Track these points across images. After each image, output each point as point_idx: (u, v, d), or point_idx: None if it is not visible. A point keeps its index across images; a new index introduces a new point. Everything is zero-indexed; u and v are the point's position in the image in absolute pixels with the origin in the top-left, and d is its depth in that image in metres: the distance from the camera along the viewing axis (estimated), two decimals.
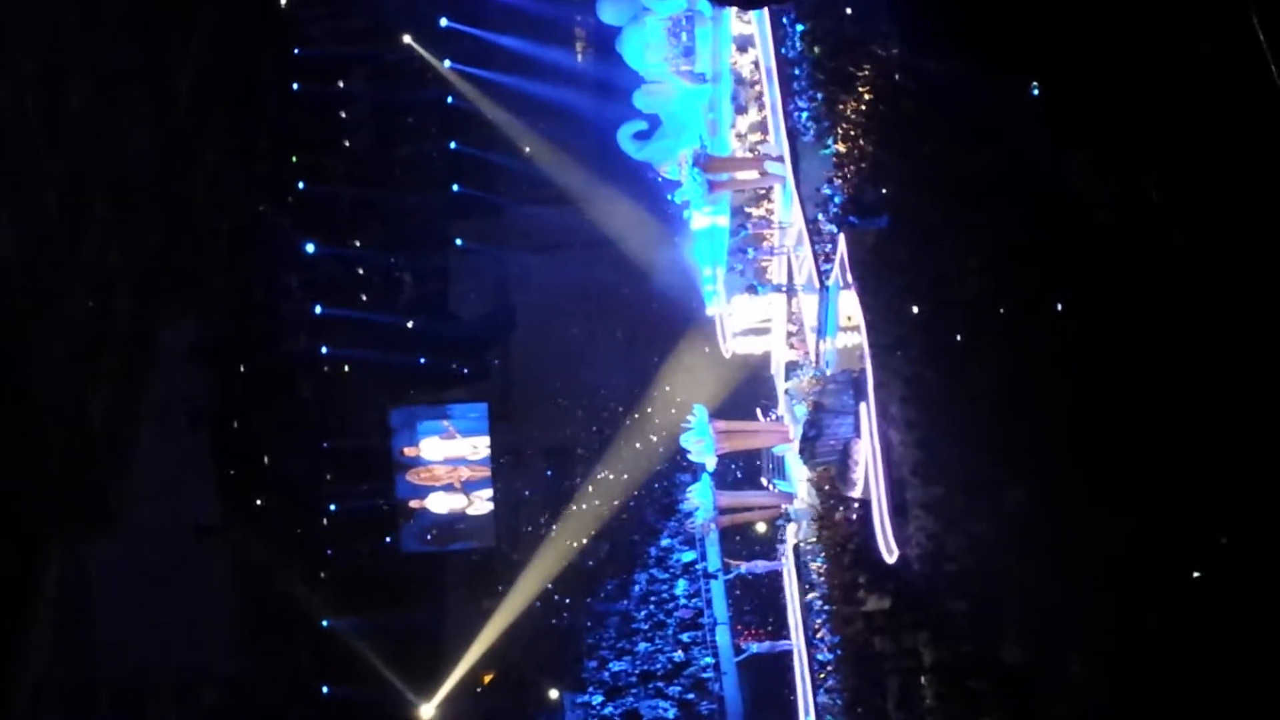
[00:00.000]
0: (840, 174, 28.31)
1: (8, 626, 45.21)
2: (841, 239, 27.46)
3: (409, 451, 50.96)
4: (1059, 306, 23.10)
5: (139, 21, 45.96)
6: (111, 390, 47.31)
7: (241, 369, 50.91)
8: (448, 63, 50.22)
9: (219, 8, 48.24)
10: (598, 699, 43.09)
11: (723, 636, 36.26)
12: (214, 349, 50.23)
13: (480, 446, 50.75)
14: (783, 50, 30.53)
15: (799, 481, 31.89)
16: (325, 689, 47.92)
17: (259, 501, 50.53)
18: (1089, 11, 22.60)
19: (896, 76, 27.57)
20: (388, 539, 50.70)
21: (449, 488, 50.70)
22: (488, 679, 46.89)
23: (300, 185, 51.51)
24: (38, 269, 44.39)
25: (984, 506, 23.95)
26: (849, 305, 27.35)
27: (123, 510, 47.38)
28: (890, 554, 25.91)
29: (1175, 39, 21.18)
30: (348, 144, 52.56)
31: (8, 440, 44.61)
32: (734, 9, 31.80)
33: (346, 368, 51.15)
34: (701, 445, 32.84)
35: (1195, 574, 21.18)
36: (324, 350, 50.97)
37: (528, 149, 48.82)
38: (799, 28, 29.09)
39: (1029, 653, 23.62)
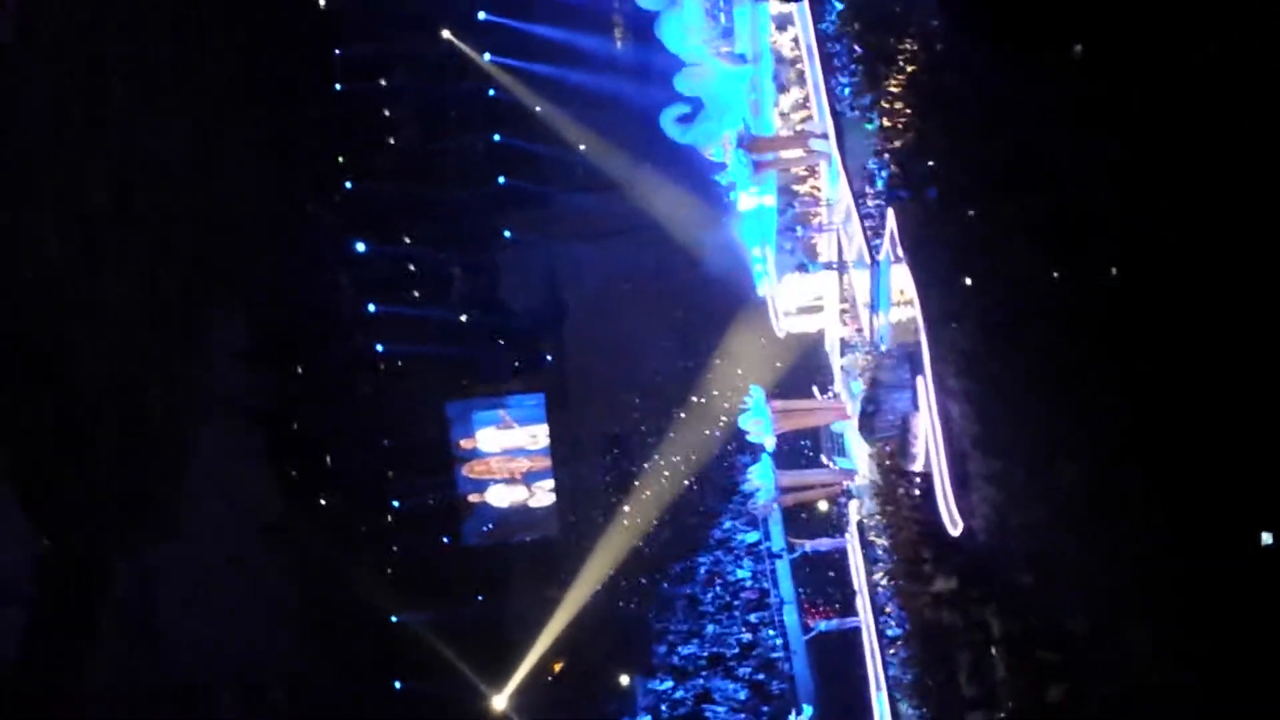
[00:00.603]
0: (885, 148, 28.22)
1: (75, 630, 45.89)
2: (890, 213, 27.37)
3: (466, 444, 51.17)
4: (1112, 276, 22.93)
5: (182, 23, 46.31)
6: (169, 393, 47.81)
7: (298, 369, 51.21)
8: (487, 56, 50.28)
9: (261, 8, 48.48)
10: (668, 683, 43.24)
11: (790, 616, 36.22)
12: (270, 350, 50.58)
13: (539, 436, 50.95)
14: (822, 27, 30.43)
15: (859, 458, 31.81)
16: (397, 684, 48.25)
17: (322, 500, 50.85)
18: None
19: (938, 48, 27.46)
20: (450, 533, 50.92)
21: (509, 480, 50.91)
22: (557, 668, 47.09)
23: (347, 184, 51.67)
24: (90, 274, 44.93)
25: (1044, 478, 23.87)
26: (901, 279, 27.26)
27: (186, 511, 47.91)
28: (954, 527, 25.87)
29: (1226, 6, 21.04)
30: (392, 141, 52.68)
31: (69, 446, 45.26)
32: None
33: (401, 364, 51.33)
34: (760, 426, 32.76)
35: (1264, 539, 21.01)
36: (379, 347, 51.18)
37: (571, 138, 48.78)
38: (838, 4, 28.98)
39: (1094, 623, 23.53)
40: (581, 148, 48.56)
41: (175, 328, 47.54)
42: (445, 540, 50.76)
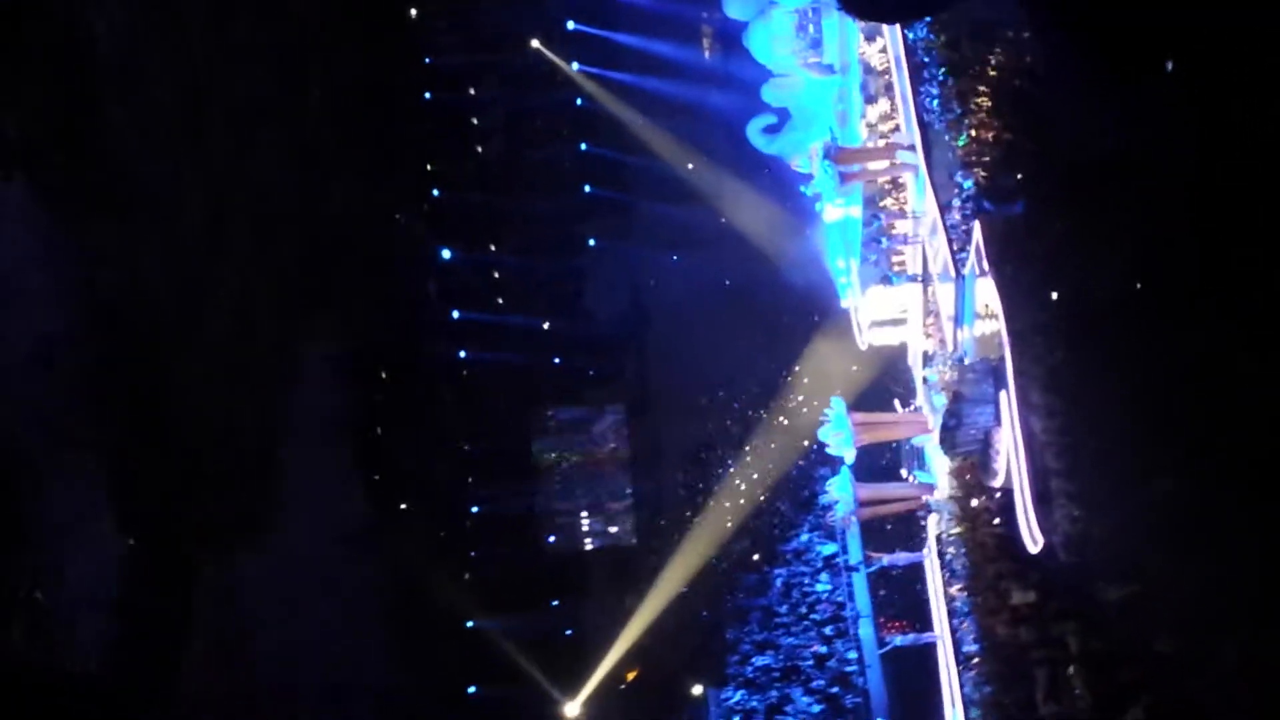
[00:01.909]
0: (973, 161, 28.04)
1: (167, 640, 46.45)
2: (977, 226, 27.21)
3: (548, 451, 51.39)
4: (1200, 291, 22.62)
5: (274, 40, 46.83)
6: (258, 404, 48.31)
7: (383, 376, 51.61)
8: (575, 65, 50.52)
9: (352, 20, 49.00)
10: (740, 694, 43.16)
11: (866, 629, 36.03)
12: (356, 359, 50.98)
13: (620, 446, 51.04)
14: (911, 38, 30.33)
15: (940, 472, 31.61)
16: (471, 689, 48.46)
17: (404, 507, 51.20)
18: None
19: (1027, 59, 27.29)
20: (528, 540, 51.09)
21: (588, 487, 51.05)
22: (631, 676, 47.10)
23: (435, 193, 52.09)
24: (183, 289, 45.56)
25: (1131, 495, 23.54)
26: (986, 293, 27.09)
27: (273, 521, 48.39)
28: (1035, 544, 25.61)
29: None
30: (480, 150, 53.04)
31: (160, 458, 45.89)
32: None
33: (485, 372, 51.60)
34: (840, 438, 32.64)
35: None
36: (463, 355, 51.49)
37: (658, 148, 48.86)
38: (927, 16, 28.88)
39: (1181, 643, 23.21)
40: (667, 158, 48.59)
41: (269, 340, 48.08)
42: (524, 546, 50.87)
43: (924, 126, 30.20)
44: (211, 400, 46.38)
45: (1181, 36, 23.27)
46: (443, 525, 51.63)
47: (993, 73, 27.76)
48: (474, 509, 51.56)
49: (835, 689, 41.37)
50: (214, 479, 46.77)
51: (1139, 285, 23.84)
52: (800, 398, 44.62)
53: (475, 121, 53.08)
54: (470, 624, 48.66)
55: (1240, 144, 22.53)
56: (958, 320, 28.55)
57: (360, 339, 50.90)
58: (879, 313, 33.77)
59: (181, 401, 46.06)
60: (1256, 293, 21.95)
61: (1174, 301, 23.61)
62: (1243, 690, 21.87)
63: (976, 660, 29.34)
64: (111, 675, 45.12)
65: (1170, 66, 23.87)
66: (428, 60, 52.30)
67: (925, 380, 32.21)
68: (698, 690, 44.96)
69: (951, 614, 30.96)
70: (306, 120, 48.69)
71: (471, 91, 53.08)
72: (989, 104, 27.68)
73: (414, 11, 52.27)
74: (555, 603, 49.74)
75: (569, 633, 48.73)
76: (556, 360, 51.61)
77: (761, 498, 45.54)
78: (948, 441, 29.34)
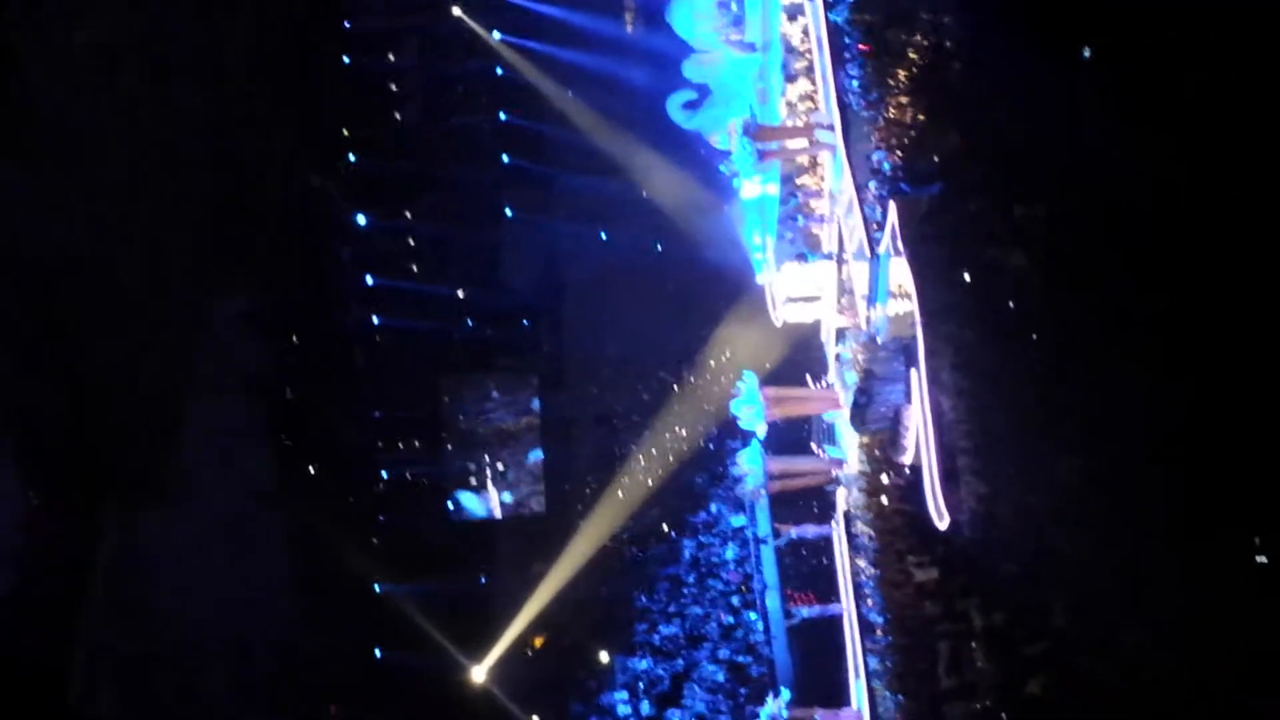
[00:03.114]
0: (891, 142, 28.40)
1: (66, 596, 46.02)
2: (892, 207, 27.60)
3: (457, 420, 51.34)
4: (1110, 274, 23.18)
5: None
6: (166, 361, 47.92)
7: (295, 339, 51.33)
8: (496, 34, 50.33)
9: None
10: (648, 662, 43.56)
11: (772, 601, 36.39)
12: (268, 320, 50.68)
13: (532, 415, 51.10)
14: (832, 18, 30.61)
15: (850, 448, 32.09)
16: (378, 653, 48.47)
17: (312, 470, 51.00)
18: None
19: (947, 44, 27.67)
20: (438, 506, 51.06)
21: (498, 456, 51.06)
22: (538, 643, 47.28)
23: (352, 158, 51.77)
24: (94, 240, 45.04)
25: (1035, 475, 24.14)
26: (900, 273, 27.48)
27: (178, 479, 48.06)
28: (941, 520, 26.17)
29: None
30: (398, 116, 52.75)
31: (64, 412, 45.38)
32: None
33: (398, 338, 51.43)
34: (751, 412, 33.06)
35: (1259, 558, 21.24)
36: (376, 321, 51.29)
37: (578, 120, 48.81)
38: None
39: (1078, 620, 23.81)
40: (588, 130, 48.55)
41: (180, 296, 47.68)
42: (433, 513, 50.85)
43: (843, 107, 30.49)
44: (120, 354, 45.97)
45: (1101, 23, 23.73)
46: (351, 489, 51.43)
47: (913, 55, 28.09)
48: (383, 474, 51.38)
49: (741, 658, 41.87)
50: (119, 434, 46.36)
51: (1048, 271, 24.38)
52: (714, 371, 44.92)
53: (394, 87, 52.72)
54: (378, 588, 48.58)
55: (1153, 128, 23.06)
56: (871, 299, 28.94)
57: (273, 299, 50.61)
58: (794, 289, 34.04)
59: (89, 354, 45.62)
60: (1163, 276, 22.53)
61: (1078, 285, 24.15)
62: (1139, 665, 22.53)
63: (880, 632, 29.86)
64: (9, 634, 44.71)
65: (1087, 53, 24.37)
66: (347, 25, 51.88)
67: (838, 357, 32.64)
68: (604, 658, 45.26)
69: (857, 587, 31.49)
70: (224, 78, 48.28)
71: (391, 57, 52.70)
72: (908, 86, 28.03)
73: None
74: (463, 569, 49.71)
75: (476, 598, 48.74)
76: (470, 328, 51.50)
77: (673, 469, 45.80)
78: (858, 418, 29.84)
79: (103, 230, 45.21)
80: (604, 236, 49.01)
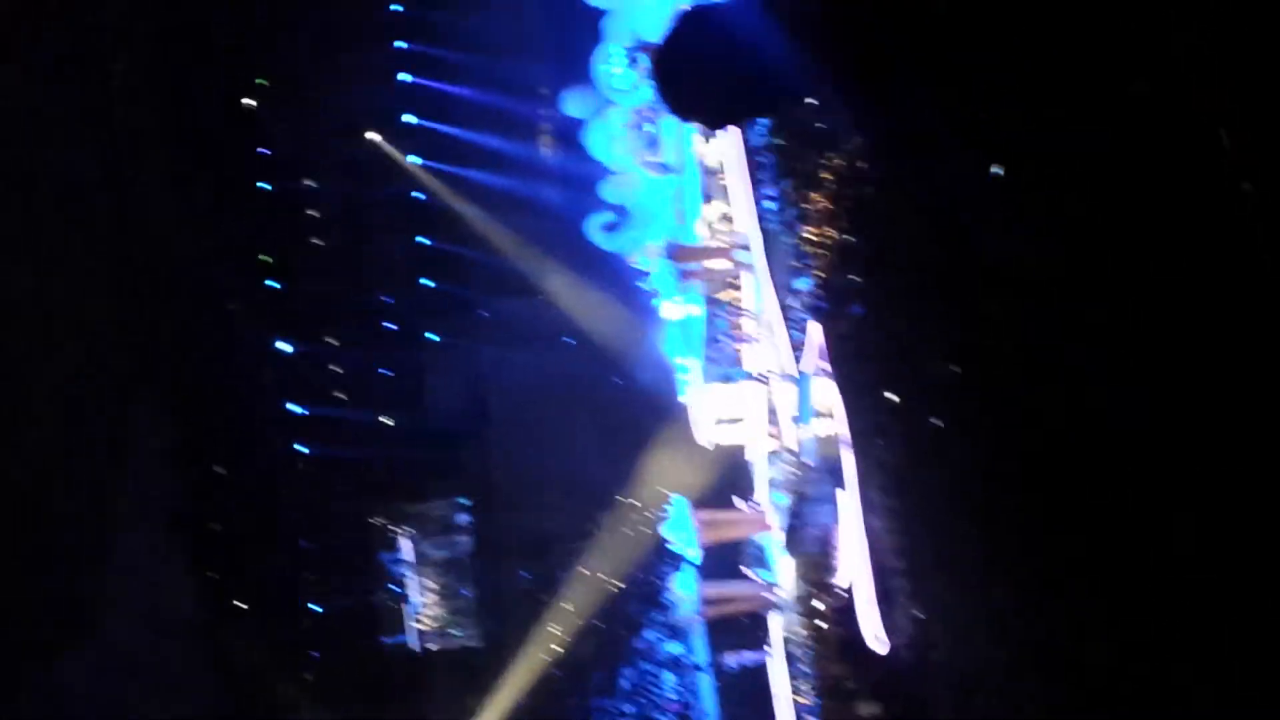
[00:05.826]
0: (809, 262, 28.40)
1: None
2: (814, 326, 27.50)
3: (388, 551, 50.67)
4: (1036, 396, 22.96)
5: (100, 130, 46.08)
6: (84, 495, 46.99)
7: (218, 470, 50.56)
8: (412, 158, 50.23)
9: (183, 107, 48.38)
10: None
11: None
12: (191, 451, 49.91)
13: (460, 543, 50.51)
14: (748, 140, 30.73)
15: (783, 571, 31.71)
16: None
17: (239, 603, 50.05)
18: (1043, 92, 22.68)
19: (860, 164, 27.71)
20: (369, 638, 50.18)
21: (430, 586, 50.40)
22: None
23: (272, 284, 51.33)
24: (9, 377, 44.20)
25: (970, 598, 23.76)
26: (825, 392, 27.36)
27: (101, 616, 46.93)
28: (876, 643, 25.77)
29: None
30: (318, 241, 52.44)
31: None
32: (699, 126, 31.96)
33: (323, 466, 50.78)
34: (683, 536, 32.68)
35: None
36: (301, 449, 50.65)
37: (497, 242, 48.68)
38: (763, 120, 29.26)
39: None
40: (508, 253, 48.42)
41: (97, 431, 46.86)
42: (363, 647, 49.94)
43: (762, 227, 30.54)
44: (35, 489, 44.98)
45: (1007, 141, 23.75)
46: (280, 623, 50.49)
47: (826, 175, 28.13)
48: (312, 607, 50.48)
49: None
50: (34, 572, 45.22)
51: (974, 390, 24.13)
52: (644, 496, 44.48)
53: (311, 213, 52.45)
54: None
55: (1069, 241, 23.00)
56: (798, 419, 28.78)
57: (194, 430, 49.84)
58: (721, 410, 33.92)
59: (2, 489, 44.61)
60: (1087, 401, 22.33)
61: (1005, 405, 23.95)
62: None
63: None
64: None
65: (997, 173, 24.37)
66: (263, 151, 51.65)
67: (771, 480, 32.38)
68: None
69: (796, 715, 30.99)
70: (137, 209, 47.83)
71: (307, 182, 52.48)
72: (823, 207, 28.04)
73: (250, 101, 51.63)
74: (395, 703, 48.79)
75: None
76: (396, 455, 50.92)
77: (606, 596, 45.25)
78: (792, 541, 29.54)
79: (14, 364, 44.39)
80: (526, 359, 48.69)
